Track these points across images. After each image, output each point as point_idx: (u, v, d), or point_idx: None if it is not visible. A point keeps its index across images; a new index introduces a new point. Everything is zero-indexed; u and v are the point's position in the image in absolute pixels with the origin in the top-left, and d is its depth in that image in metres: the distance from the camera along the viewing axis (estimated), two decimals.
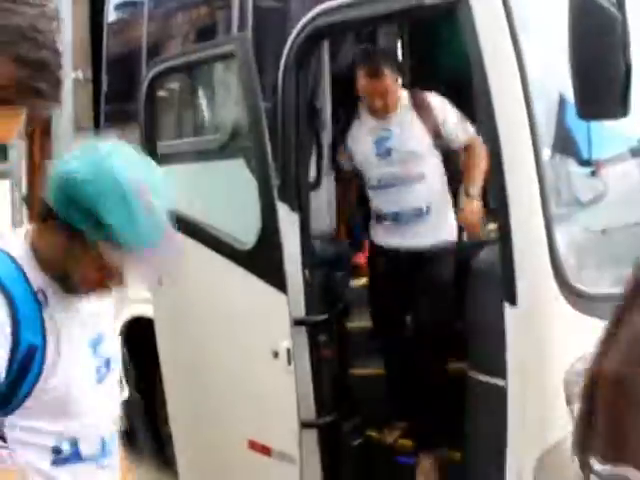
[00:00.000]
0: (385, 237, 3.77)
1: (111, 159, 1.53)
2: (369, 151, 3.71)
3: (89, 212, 1.51)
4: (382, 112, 3.66)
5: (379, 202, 3.74)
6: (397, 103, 3.66)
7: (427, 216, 3.64)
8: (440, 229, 3.67)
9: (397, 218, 3.69)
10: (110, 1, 4.75)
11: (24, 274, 1.58)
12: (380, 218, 3.76)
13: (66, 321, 1.64)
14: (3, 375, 1.51)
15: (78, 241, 1.56)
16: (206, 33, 4.19)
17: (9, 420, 1.58)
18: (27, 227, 1.71)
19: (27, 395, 1.58)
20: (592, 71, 2.17)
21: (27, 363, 1.53)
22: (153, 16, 4.42)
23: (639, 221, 2.90)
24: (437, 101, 3.69)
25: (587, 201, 2.89)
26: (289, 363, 3.12)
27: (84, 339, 1.72)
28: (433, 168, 3.65)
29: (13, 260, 1.59)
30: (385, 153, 3.66)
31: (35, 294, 1.57)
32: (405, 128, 3.65)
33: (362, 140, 3.75)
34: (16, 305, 1.52)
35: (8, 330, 1.51)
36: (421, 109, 3.63)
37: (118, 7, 4.88)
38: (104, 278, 1.62)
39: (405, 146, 3.64)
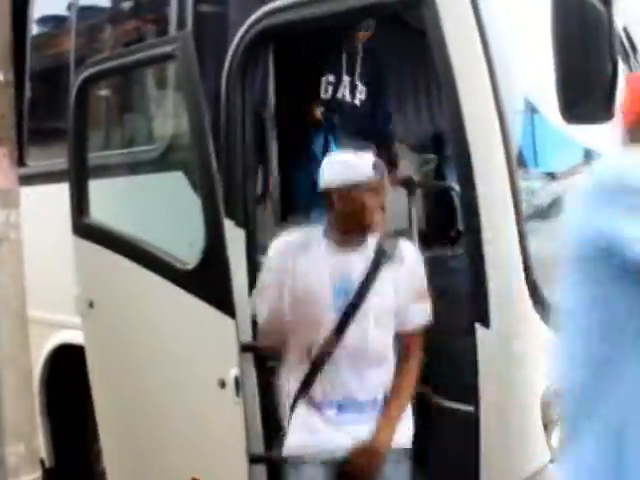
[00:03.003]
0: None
1: None
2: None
3: None
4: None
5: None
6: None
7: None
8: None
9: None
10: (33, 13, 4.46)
11: None
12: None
13: None
14: None
15: None
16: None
17: None
18: None
19: None
20: (577, 71, 2.00)
21: None
22: (81, 29, 4.16)
23: None
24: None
25: (556, 214, 2.74)
26: (237, 393, 2.86)
27: None
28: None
29: None
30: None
31: None
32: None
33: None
34: None
35: None
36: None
37: (42, 20, 4.60)
38: None
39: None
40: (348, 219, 2.44)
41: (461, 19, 2.43)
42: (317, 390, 2.51)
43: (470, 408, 2.56)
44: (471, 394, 2.52)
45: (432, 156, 4.21)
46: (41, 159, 4.26)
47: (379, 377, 2.50)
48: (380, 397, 2.50)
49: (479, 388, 2.46)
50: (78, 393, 3.78)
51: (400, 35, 3.67)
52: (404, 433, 2.50)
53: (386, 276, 2.45)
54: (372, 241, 2.48)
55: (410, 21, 2.76)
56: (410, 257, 2.50)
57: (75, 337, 3.71)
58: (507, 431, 2.44)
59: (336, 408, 2.50)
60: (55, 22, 4.66)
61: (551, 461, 2.42)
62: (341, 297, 2.44)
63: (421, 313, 2.49)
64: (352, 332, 2.44)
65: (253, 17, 3.00)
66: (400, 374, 2.51)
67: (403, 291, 2.47)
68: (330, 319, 2.44)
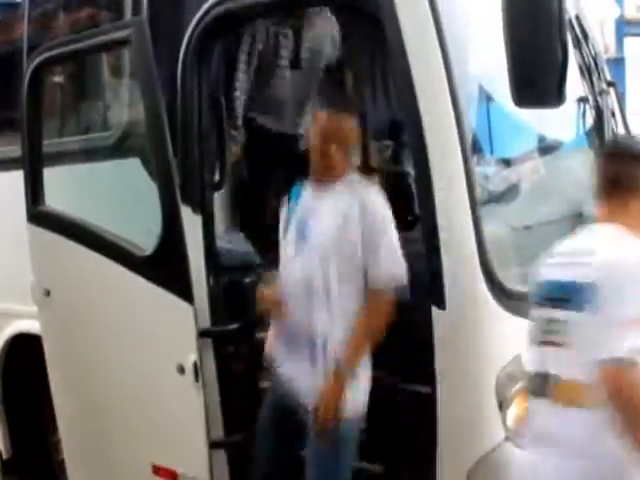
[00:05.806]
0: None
1: None
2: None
3: None
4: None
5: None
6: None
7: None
8: None
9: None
10: None
11: None
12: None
13: None
14: None
15: None
16: None
17: None
18: None
19: None
20: (528, 57, 2.03)
21: None
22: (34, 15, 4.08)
23: (561, 217, 2.83)
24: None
25: (509, 199, 2.79)
26: (196, 379, 2.87)
27: None
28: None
29: None
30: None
31: None
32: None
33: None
34: None
35: None
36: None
37: None
38: None
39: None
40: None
41: (416, 5, 2.45)
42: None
43: (427, 389, 2.60)
44: (427, 376, 2.56)
45: (389, 142, 4.23)
46: None
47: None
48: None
49: (435, 370, 2.49)
50: (35, 383, 3.74)
51: (355, 22, 3.67)
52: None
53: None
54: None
55: (365, 8, 2.76)
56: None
57: (31, 326, 3.68)
58: (463, 411, 2.48)
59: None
60: (7, 8, 4.57)
61: (506, 439, 2.48)
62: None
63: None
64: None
65: (209, 2, 2.98)
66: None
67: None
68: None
